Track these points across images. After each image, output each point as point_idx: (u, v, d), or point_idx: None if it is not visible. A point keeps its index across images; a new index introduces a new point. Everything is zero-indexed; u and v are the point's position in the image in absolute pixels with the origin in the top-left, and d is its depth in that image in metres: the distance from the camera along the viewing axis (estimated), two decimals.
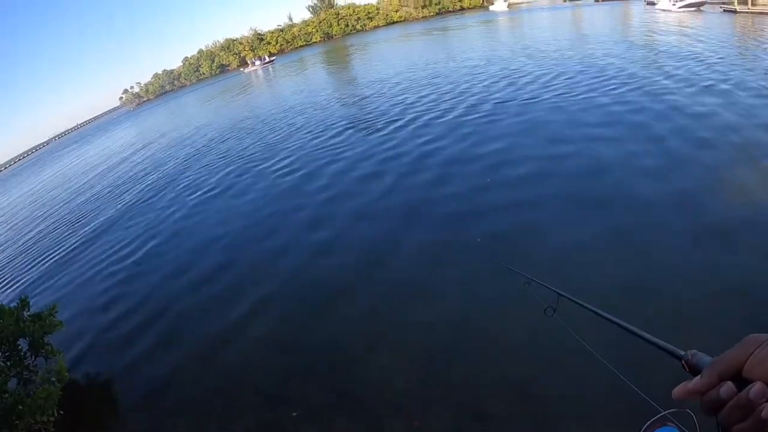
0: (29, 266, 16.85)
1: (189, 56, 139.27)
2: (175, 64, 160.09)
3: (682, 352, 1.01)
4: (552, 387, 5.61)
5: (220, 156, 22.86)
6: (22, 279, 15.79)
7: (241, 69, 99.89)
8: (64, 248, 17.20)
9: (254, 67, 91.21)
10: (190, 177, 20.68)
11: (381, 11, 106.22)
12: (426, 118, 17.99)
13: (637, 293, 6.63)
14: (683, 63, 17.90)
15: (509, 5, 74.40)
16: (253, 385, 7.05)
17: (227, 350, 8.03)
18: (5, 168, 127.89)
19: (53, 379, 7.15)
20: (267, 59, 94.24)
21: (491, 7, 77.02)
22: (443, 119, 17.15)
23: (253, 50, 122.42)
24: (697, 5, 35.02)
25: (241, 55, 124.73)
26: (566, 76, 19.25)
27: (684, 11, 34.75)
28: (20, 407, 6.44)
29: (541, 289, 2.96)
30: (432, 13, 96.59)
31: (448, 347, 6.68)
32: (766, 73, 14.67)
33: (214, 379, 7.44)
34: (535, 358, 6.09)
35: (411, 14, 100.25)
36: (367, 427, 5.76)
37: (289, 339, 7.77)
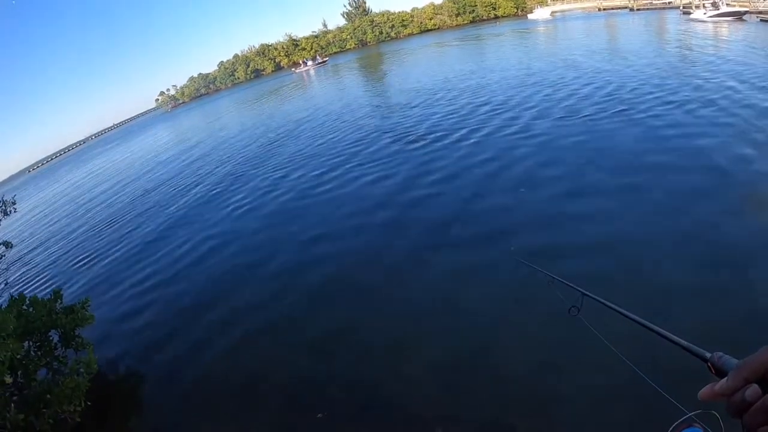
0: (65, 260, 17.31)
1: (224, 60, 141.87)
2: (210, 68, 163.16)
3: (708, 354, 1.01)
4: (576, 388, 5.52)
5: (263, 163, 22.77)
6: (56, 272, 16.22)
7: (293, 69, 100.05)
8: (101, 245, 17.67)
9: (306, 68, 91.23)
10: (226, 186, 20.88)
11: (415, 19, 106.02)
12: (464, 131, 17.40)
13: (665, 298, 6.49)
14: (722, 79, 16.85)
15: (552, 13, 72.08)
16: (278, 386, 7.05)
17: (255, 352, 8.08)
18: (45, 163, 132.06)
19: (82, 370, 7.25)
20: (320, 60, 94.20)
21: (530, 16, 73.94)
22: (480, 133, 16.71)
23: (287, 56, 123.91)
24: (734, 15, 33.16)
25: (276, 60, 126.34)
26: (605, 90, 18.43)
27: (718, 21, 32.93)
28: (48, 396, 6.55)
29: (565, 288, 2.88)
30: (466, 21, 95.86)
31: (474, 349, 6.61)
32: None
33: (240, 380, 7.47)
34: (560, 358, 6.00)
35: (445, 22, 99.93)
36: None
37: (317, 344, 7.74)
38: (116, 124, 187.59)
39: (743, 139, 11.02)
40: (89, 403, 7.08)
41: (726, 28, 30.06)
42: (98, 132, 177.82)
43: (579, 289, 2.59)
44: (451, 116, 20.25)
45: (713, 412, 1.23)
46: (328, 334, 7.90)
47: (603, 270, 7.40)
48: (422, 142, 17.29)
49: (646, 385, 2.28)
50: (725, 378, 0.84)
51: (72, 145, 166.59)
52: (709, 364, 0.99)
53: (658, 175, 10.08)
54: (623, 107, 15.57)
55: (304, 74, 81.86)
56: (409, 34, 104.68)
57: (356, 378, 6.72)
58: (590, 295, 2.43)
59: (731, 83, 15.79)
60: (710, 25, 32.35)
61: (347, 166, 17.02)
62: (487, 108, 20.10)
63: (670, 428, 1.26)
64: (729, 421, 0.89)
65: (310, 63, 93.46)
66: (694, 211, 8.45)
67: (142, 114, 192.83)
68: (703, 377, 0.94)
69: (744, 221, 7.86)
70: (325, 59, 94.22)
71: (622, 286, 6.92)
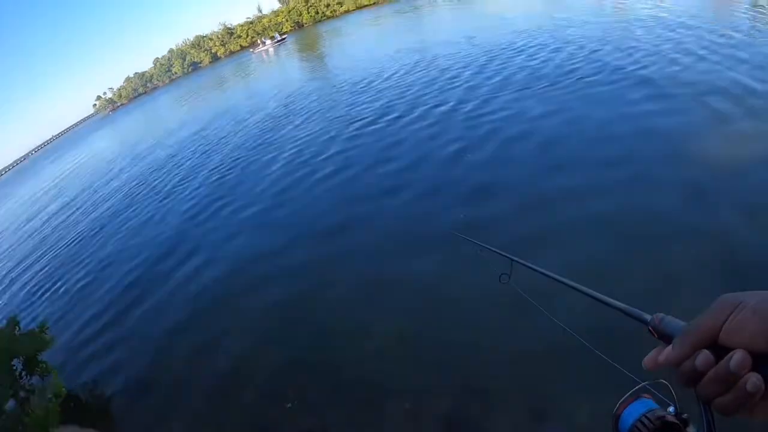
0: (13, 285, 16.82)
1: (160, 57, 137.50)
2: (146, 66, 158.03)
3: (648, 317, 0.93)
4: (519, 360, 5.64)
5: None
6: (5, 299, 15.83)
7: (251, 49, 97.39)
8: (49, 265, 17.25)
9: (265, 47, 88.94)
10: (168, 197, 20.45)
11: None
12: (419, 111, 16.49)
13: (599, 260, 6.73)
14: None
15: None
16: (247, 382, 7.18)
17: (218, 351, 8.16)
18: None
19: (50, 395, 7.20)
20: (278, 38, 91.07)
21: None
22: (438, 110, 15.91)
23: (224, 45, 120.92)
24: None
25: (213, 50, 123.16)
26: (563, 54, 17.13)
27: None
28: (20, 428, 6.51)
29: (494, 256, 2.78)
30: None
31: (422, 326, 6.89)
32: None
33: (209, 380, 7.57)
34: (498, 330, 6.18)
35: None
36: (362, 412, 5.91)
37: (279, 335, 7.91)
38: (55, 136, 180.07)
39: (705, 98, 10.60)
40: (62, 426, 7.06)
41: None
42: (38, 146, 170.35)
43: (506, 255, 2.51)
44: (404, 95, 19.26)
45: (663, 380, 1.15)
46: (287, 325, 8.06)
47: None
48: (376, 126, 16.56)
49: (591, 354, 2.11)
50: (670, 345, 0.78)
51: (12, 164, 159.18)
52: (650, 327, 0.91)
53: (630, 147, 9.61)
54: (585, 72, 14.44)
55: (264, 54, 79.97)
56: (346, 12, 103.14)
57: (321, 363, 6.90)
58: (518, 260, 2.36)
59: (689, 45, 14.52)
60: None
61: (301, 159, 16.32)
62: (440, 83, 19.03)
63: (618, 403, 1.19)
64: (682, 389, 0.81)
65: (268, 42, 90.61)
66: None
67: (81, 121, 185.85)
68: (649, 342, 0.89)
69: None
70: (283, 37, 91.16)
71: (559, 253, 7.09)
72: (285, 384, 6.78)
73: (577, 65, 15.46)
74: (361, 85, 23.93)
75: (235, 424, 6.54)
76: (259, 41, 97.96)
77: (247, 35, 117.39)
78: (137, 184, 23.65)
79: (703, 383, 0.70)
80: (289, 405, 6.34)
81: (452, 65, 21.20)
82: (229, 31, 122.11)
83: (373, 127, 16.58)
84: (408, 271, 8.16)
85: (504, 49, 21.12)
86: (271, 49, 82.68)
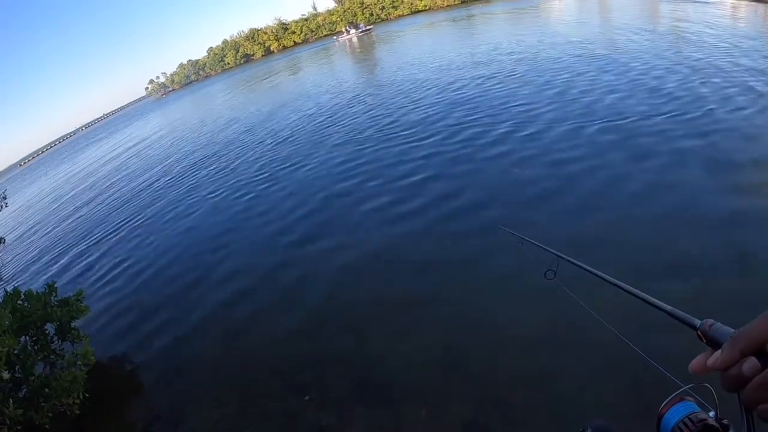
0: (58, 254, 17.28)
1: (214, 46, 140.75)
2: (200, 54, 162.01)
3: (698, 322, 0.96)
4: (560, 359, 5.52)
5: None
6: (49, 266, 16.21)
7: (335, 37, 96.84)
8: (93, 238, 17.67)
9: (349, 35, 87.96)
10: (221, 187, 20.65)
11: (405, 0, 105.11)
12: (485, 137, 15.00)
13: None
14: None
15: None
16: (272, 370, 7.12)
17: (248, 336, 8.16)
18: (35, 157, 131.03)
19: (79, 362, 7.27)
20: (363, 27, 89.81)
21: None
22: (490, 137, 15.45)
23: (277, 39, 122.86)
24: None
25: (266, 44, 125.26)
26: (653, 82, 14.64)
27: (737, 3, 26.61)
28: (47, 390, 6.57)
29: (539, 251, 2.76)
30: (457, 2, 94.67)
31: (460, 327, 6.69)
32: None
33: (235, 364, 7.57)
34: (539, 327, 6.04)
35: (436, 3, 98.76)
36: (384, 414, 5.73)
37: (309, 326, 7.81)
38: (106, 114, 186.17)
39: None
40: (87, 395, 7.11)
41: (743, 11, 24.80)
42: (88, 123, 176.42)
43: (553, 251, 2.50)
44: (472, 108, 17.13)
45: (707, 385, 1.15)
46: (320, 318, 7.96)
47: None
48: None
49: (633, 355, 2.07)
50: (719, 350, 0.80)
51: (62, 137, 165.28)
52: (698, 332, 0.94)
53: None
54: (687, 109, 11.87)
55: (347, 42, 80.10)
56: (400, 16, 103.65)
57: (350, 362, 6.77)
58: (565, 257, 2.32)
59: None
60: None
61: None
62: (499, 104, 16.60)
63: (662, 404, 1.20)
64: (724, 394, 0.86)
65: (353, 31, 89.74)
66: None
67: (133, 103, 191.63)
68: (695, 346, 0.92)
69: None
70: (369, 27, 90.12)
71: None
72: (310, 378, 6.67)
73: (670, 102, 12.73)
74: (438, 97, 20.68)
75: (254, 412, 6.44)
76: (343, 29, 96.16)
77: (301, 31, 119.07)
78: (188, 172, 24.07)
79: (748, 389, 0.73)
80: (307, 398, 6.25)
81: (522, 81, 19.10)
82: (284, 27, 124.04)
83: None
84: (449, 269, 8.04)
85: (580, 64, 19.57)
86: (355, 39, 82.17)
